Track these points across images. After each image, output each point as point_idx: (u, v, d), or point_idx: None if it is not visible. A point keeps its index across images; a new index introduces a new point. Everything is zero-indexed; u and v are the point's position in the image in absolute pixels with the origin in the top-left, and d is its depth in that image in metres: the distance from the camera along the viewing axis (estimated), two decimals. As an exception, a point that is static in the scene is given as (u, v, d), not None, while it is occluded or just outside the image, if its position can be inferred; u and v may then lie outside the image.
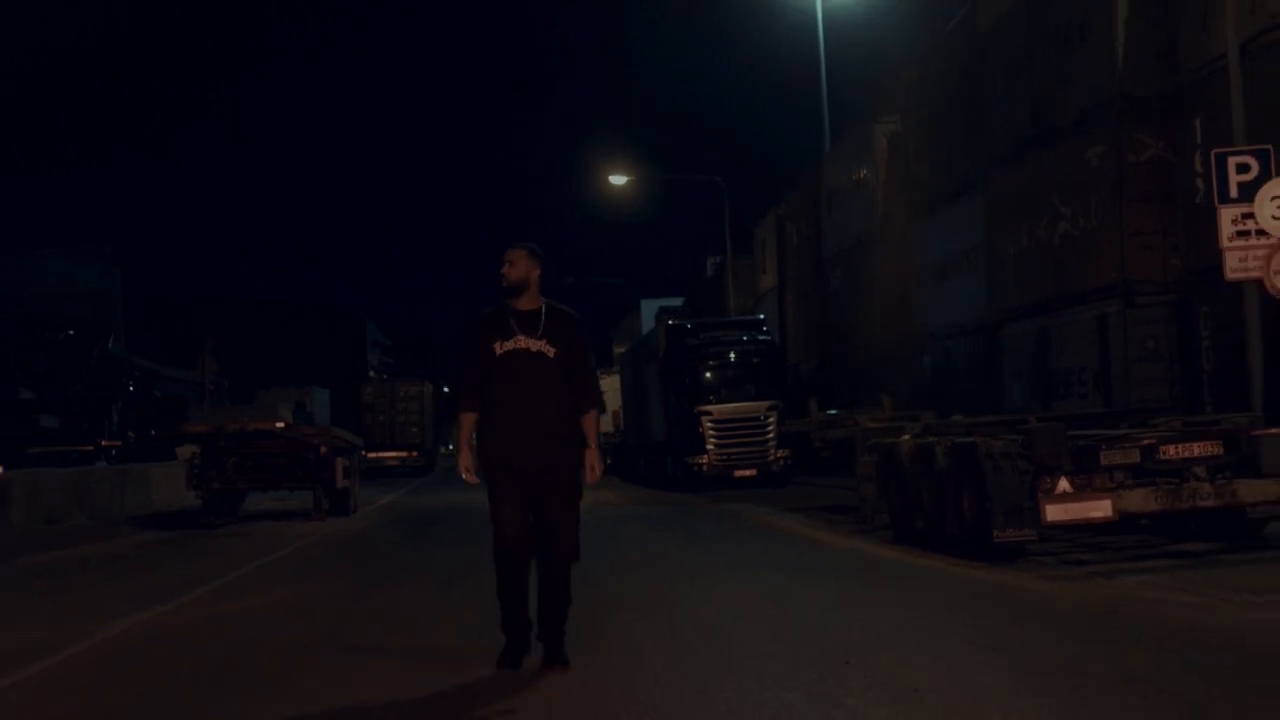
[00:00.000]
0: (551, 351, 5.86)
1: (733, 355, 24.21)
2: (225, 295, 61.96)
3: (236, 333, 50.94)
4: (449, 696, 5.49)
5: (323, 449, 18.55)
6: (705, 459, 23.08)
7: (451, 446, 79.51)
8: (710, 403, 23.32)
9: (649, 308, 51.63)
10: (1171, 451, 9.35)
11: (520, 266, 5.93)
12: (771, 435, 22.89)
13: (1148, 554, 9.74)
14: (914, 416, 14.77)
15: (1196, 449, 9.36)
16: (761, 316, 28.57)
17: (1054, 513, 9.17)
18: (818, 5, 30.76)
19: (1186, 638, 6.21)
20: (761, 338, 24.90)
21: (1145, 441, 9.38)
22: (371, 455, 36.09)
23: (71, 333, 24.04)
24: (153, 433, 30.96)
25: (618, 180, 35.16)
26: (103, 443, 24.88)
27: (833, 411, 17.50)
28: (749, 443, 23.10)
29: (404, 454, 41.07)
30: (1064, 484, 9.20)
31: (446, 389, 71.24)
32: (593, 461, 5.91)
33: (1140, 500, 9.24)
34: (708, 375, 23.78)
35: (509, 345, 5.85)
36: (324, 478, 18.45)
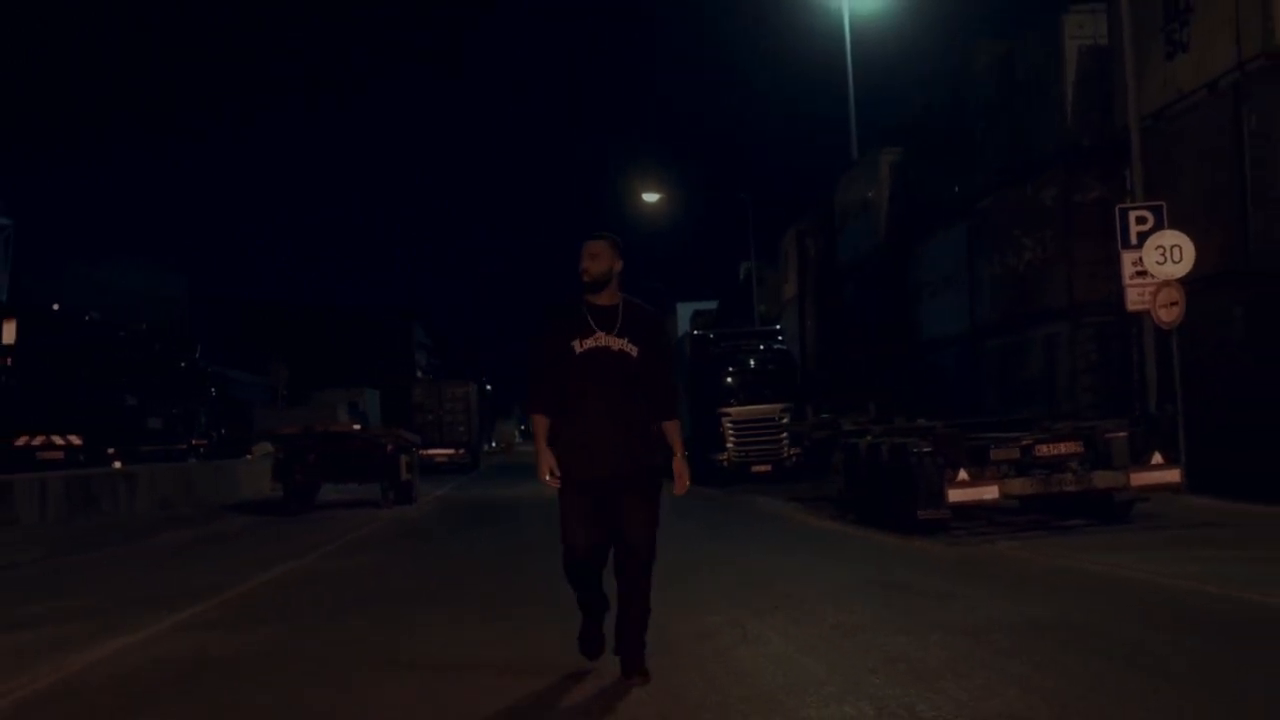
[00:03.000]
0: (635, 350, 5.65)
1: (751, 362, 27.64)
2: (281, 299, 66.32)
3: (293, 335, 55.23)
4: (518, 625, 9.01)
5: (389, 447, 22.22)
6: (725, 456, 26.49)
7: (495, 444, 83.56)
8: (730, 405, 26.75)
9: (685, 310, 55.15)
10: (1044, 450, 12.73)
11: (603, 259, 5.70)
12: (785, 434, 26.30)
13: (1035, 528, 13.01)
14: (889, 420, 18.17)
15: (1063, 448, 12.73)
16: (778, 327, 32.07)
17: (955, 495, 12.54)
18: (846, 25, 34.10)
19: (1015, 576, 9.58)
20: (776, 346, 28.34)
21: (1025, 443, 12.77)
22: (421, 453, 39.72)
23: (161, 346, 28.09)
24: (222, 431, 34.75)
25: (651, 197, 38.77)
26: (193, 442, 28.93)
27: (825, 415, 20.96)
28: (765, 441, 26.49)
29: (451, 451, 44.68)
30: (963, 474, 12.57)
31: (489, 387, 75.19)
32: (680, 470, 5.81)
33: (1019, 486, 12.63)
34: (728, 380, 27.20)
35: (589, 343, 5.63)
36: (390, 472, 22.09)
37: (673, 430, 5.84)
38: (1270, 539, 11.24)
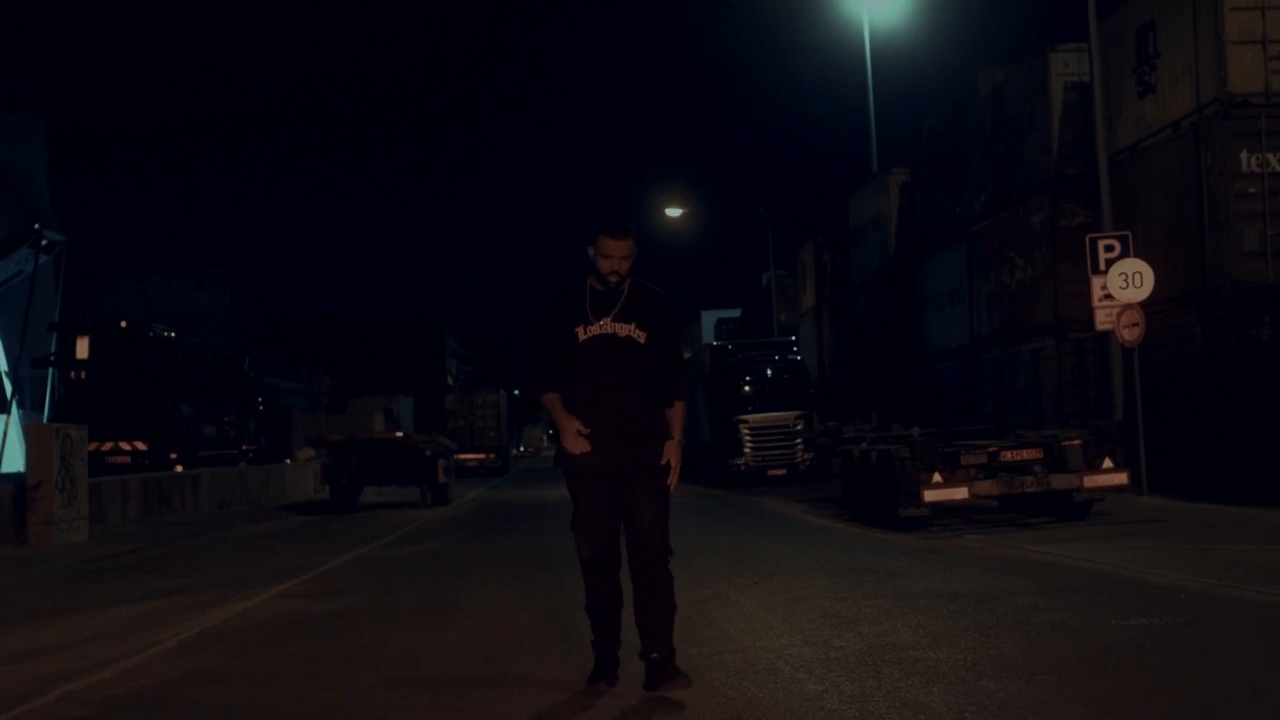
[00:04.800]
0: (642, 336, 5.50)
1: (768, 372, 29.70)
2: (320, 309, 68.96)
3: (330, 344, 57.76)
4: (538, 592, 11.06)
5: (428, 452, 24.38)
6: (743, 460, 28.54)
7: (523, 449, 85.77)
8: (747, 413, 28.79)
9: (709, 318, 57.46)
10: (1008, 455, 14.68)
11: (630, 258, 5.57)
12: (799, 440, 28.34)
13: (1004, 524, 14.94)
14: (887, 428, 20.15)
15: (1025, 454, 14.67)
16: (793, 338, 34.16)
17: (929, 496, 14.49)
18: (866, 43, 36.27)
19: (962, 560, 11.54)
20: (791, 357, 30.39)
21: (991, 449, 14.72)
22: (454, 457, 41.99)
23: (214, 358, 30.48)
24: (262, 440, 37.05)
25: (674, 212, 40.89)
26: (244, 447, 31.30)
27: (829, 423, 22.96)
28: (780, 446, 28.53)
29: (482, 456, 47.08)
30: (937, 477, 14.53)
31: (516, 391, 77.63)
32: (673, 456, 5.57)
33: (987, 488, 14.58)
34: (745, 389, 29.27)
35: (594, 330, 5.48)
36: (429, 475, 24.24)
37: (676, 413, 5.65)
38: (1198, 533, 13.10)
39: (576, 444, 5.47)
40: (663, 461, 5.54)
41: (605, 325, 5.50)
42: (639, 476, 5.50)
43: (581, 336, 5.48)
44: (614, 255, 5.52)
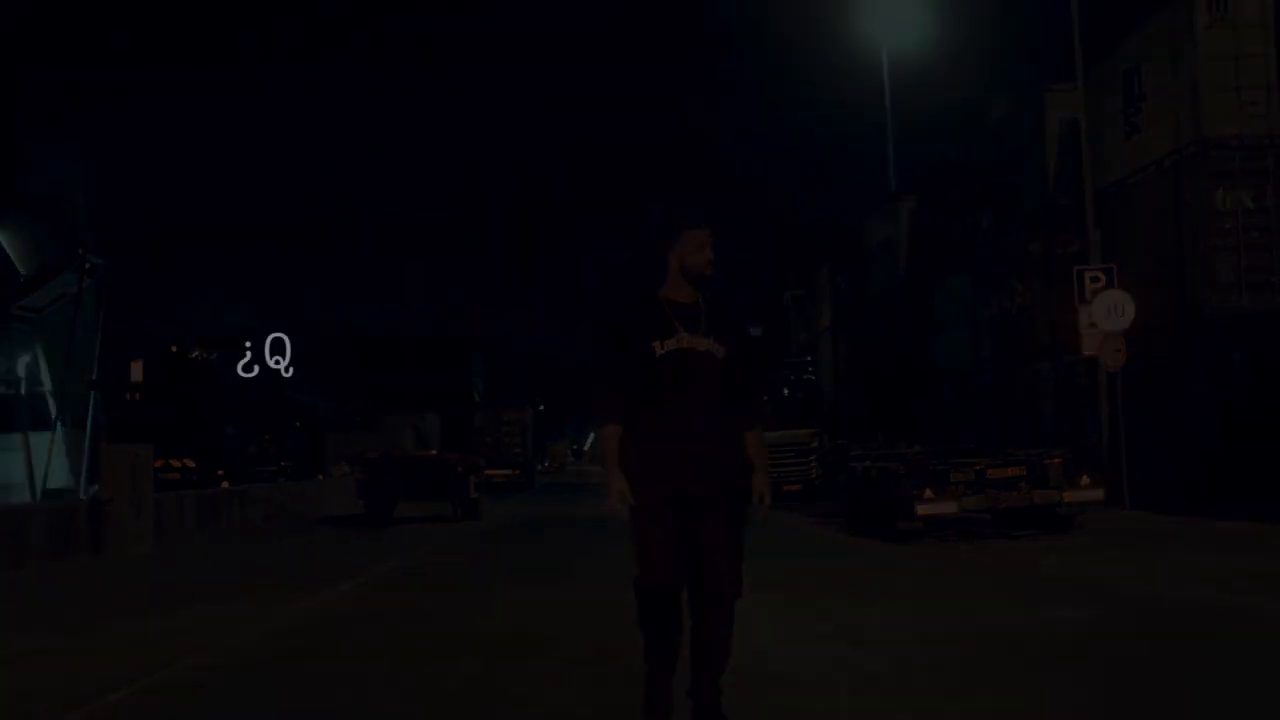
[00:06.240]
0: (721, 351, 5.20)
1: (784, 391, 31.32)
2: (355, 327, 70.90)
3: (363, 362, 59.73)
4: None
5: (460, 469, 26.08)
6: (759, 476, 30.14)
7: (547, 464, 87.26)
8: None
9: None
10: (994, 473, 16.28)
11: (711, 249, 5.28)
12: (813, 457, 29.91)
13: (991, 536, 16.54)
14: (892, 446, 21.74)
15: (1009, 471, 16.27)
16: (808, 359, 35.87)
17: (922, 510, 16.09)
18: (884, 70, 38.07)
19: (941, 567, 13.15)
20: (806, 377, 32.04)
21: (978, 466, 16.33)
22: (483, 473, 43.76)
23: (253, 381, 32.53)
24: (298, 456, 38.92)
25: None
26: (282, 464, 33.27)
27: (840, 442, 24.60)
28: (794, 463, 30.02)
29: (508, 471, 48.87)
30: (929, 492, 16.14)
31: (541, 406, 79.38)
32: (763, 489, 5.28)
33: (974, 502, 16.17)
34: (760, 408, 30.91)
35: (671, 344, 5.15)
36: (460, 491, 25.93)
37: (755, 441, 5.31)
38: (1165, 544, 14.67)
39: (617, 505, 5.16)
40: (756, 498, 5.28)
41: (683, 339, 5.17)
42: (714, 509, 5.14)
43: (659, 351, 5.17)
44: (706, 244, 5.29)
